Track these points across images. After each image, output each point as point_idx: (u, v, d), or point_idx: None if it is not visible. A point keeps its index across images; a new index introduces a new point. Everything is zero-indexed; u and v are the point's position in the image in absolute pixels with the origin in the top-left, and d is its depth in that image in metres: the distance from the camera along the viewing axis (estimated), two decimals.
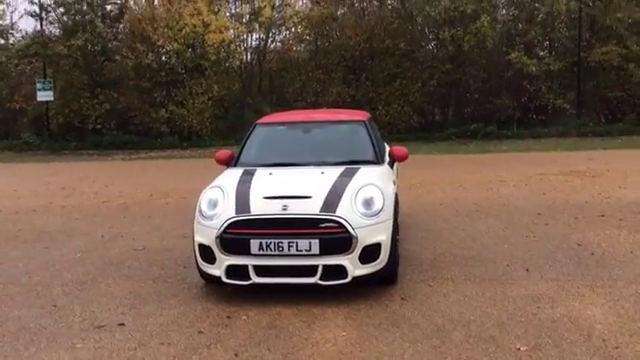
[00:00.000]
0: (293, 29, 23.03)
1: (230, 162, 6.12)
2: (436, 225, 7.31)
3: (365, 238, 4.59)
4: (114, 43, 23.74)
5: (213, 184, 5.23)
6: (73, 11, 22.96)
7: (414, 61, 21.46)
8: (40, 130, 23.63)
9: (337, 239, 4.55)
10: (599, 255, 5.76)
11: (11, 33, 25.53)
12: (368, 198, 4.79)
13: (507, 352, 3.69)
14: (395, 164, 5.98)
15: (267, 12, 22.39)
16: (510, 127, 21.41)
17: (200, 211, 4.95)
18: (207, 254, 4.79)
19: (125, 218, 8.58)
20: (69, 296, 5.09)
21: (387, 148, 6.45)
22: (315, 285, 4.60)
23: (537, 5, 22.17)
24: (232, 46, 23.11)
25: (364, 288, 4.79)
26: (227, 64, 22.96)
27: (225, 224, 4.67)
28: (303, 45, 22.56)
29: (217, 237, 4.67)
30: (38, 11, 23.65)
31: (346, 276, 4.58)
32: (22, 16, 26.65)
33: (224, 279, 4.70)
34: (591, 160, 13.92)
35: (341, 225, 4.56)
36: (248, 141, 6.01)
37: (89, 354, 3.89)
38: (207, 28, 21.42)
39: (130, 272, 5.76)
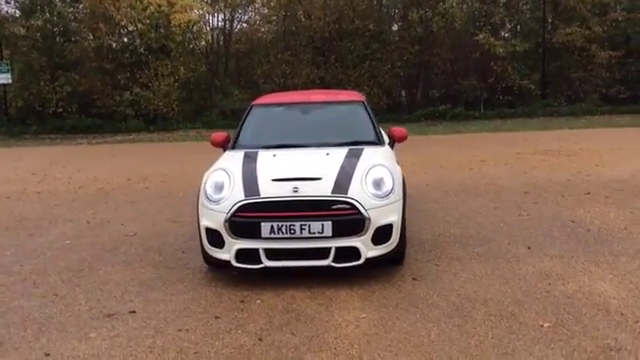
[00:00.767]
0: (259, 9, 22.65)
1: (226, 145, 5.99)
2: (428, 206, 7.33)
3: (377, 219, 4.55)
4: (75, 24, 22.96)
5: (216, 167, 5.09)
6: None
7: (383, 42, 21.46)
8: None
9: (350, 221, 4.50)
10: (595, 232, 5.87)
11: None
12: (378, 179, 4.74)
13: (531, 329, 3.72)
14: (395, 145, 5.95)
15: None
16: (477, 108, 21.72)
17: (206, 194, 4.82)
18: (215, 238, 4.67)
19: (107, 203, 8.34)
20: (69, 284, 4.91)
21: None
22: (328, 267, 4.55)
23: None
24: (198, 27, 22.65)
25: (372, 269, 4.75)
26: (193, 45, 22.50)
27: (234, 207, 4.56)
28: (270, 26, 22.24)
29: (226, 221, 4.56)
30: None
31: (359, 258, 4.54)
32: None
33: (234, 263, 4.60)
34: (561, 140, 14.22)
35: (353, 206, 4.51)
36: (245, 123, 5.88)
37: (106, 343, 3.76)
38: (172, 8, 20.93)
39: (127, 258, 5.60)
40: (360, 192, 4.59)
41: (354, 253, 4.54)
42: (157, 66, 21.76)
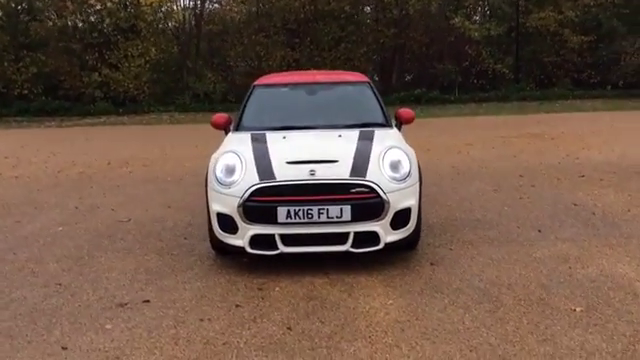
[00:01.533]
0: None
1: (227, 127, 5.77)
2: (427, 189, 7.15)
3: (396, 203, 4.43)
4: (40, 2, 22.10)
5: (225, 149, 4.87)
6: None
7: (358, 25, 21.28)
8: None
9: (369, 204, 4.36)
10: (600, 215, 5.87)
11: None
12: (395, 161, 4.62)
13: (564, 314, 3.66)
14: (402, 127, 5.82)
15: None
16: (452, 92, 21.77)
17: (216, 178, 4.61)
18: (227, 224, 4.48)
19: (92, 188, 8.03)
20: (70, 273, 4.67)
21: None
22: (343, 253, 4.41)
23: None
24: (168, 6, 22.06)
25: (386, 255, 4.61)
26: (164, 25, 21.90)
27: (248, 191, 4.37)
28: (243, 6, 21.78)
29: (240, 205, 4.38)
30: None
31: (378, 243, 4.42)
32: None
33: (248, 249, 4.43)
34: (541, 123, 14.35)
35: (372, 190, 4.37)
36: (248, 104, 5.66)
37: (125, 335, 3.56)
38: None
39: (127, 245, 5.36)
40: (378, 175, 4.45)
41: (373, 238, 4.41)
42: (127, 46, 21.15)
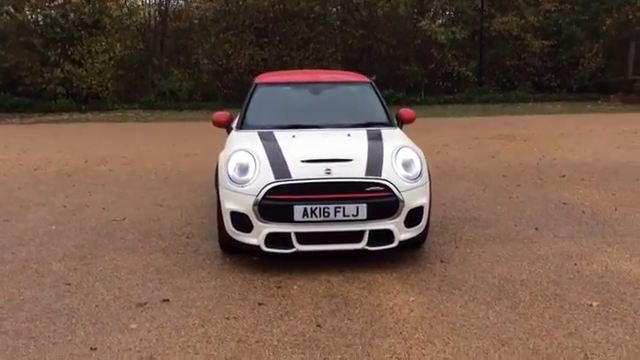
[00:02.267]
0: None
1: (228, 125, 5.74)
2: None
3: (410, 201, 4.49)
4: None
5: (235, 147, 4.83)
6: None
7: (327, 25, 21.34)
8: None
9: (384, 203, 4.41)
10: (590, 213, 6.07)
11: None
12: (407, 160, 4.69)
13: (583, 309, 3.79)
14: (403, 127, 5.90)
15: None
16: (418, 93, 22.07)
17: (229, 176, 4.58)
18: (242, 222, 4.46)
19: (75, 187, 7.83)
20: (78, 273, 4.56)
21: None
22: (362, 251, 4.45)
23: None
24: (132, 2, 21.65)
25: (395, 252, 4.62)
26: (129, 21, 21.46)
27: (264, 190, 4.37)
28: (211, 4, 21.53)
29: (255, 204, 4.36)
30: None
31: (392, 241, 4.47)
32: None
33: (264, 248, 4.41)
34: (509, 125, 14.70)
35: (387, 188, 4.42)
36: (251, 102, 5.63)
37: (153, 335, 3.51)
38: None
39: (129, 244, 5.27)
40: (392, 174, 4.51)
41: (387, 236, 4.47)
42: (90, 42, 20.67)
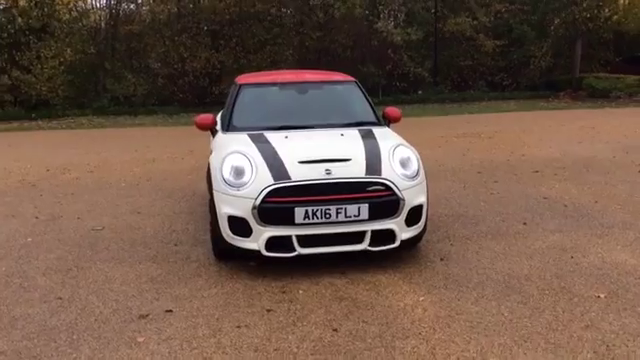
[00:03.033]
0: None
1: (212, 127, 5.58)
2: None
3: (410, 200, 4.46)
4: None
5: (228, 150, 4.68)
6: None
7: (284, 27, 21.22)
8: None
9: (385, 202, 4.36)
10: (572, 207, 6.18)
11: None
12: (405, 159, 4.65)
13: (592, 301, 3.82)
14: (390, 125, 5.86)
15: None
16: (376, 94, 22.14)
17: (224, 180, 4.44)
18: (240, 227, 4.33)
19: (43, 196, 7.48)
20: (66, 286, 4.33)
21: None
22: (364, 252, 4.39)
23: None
24: (83, 4, 21.00)
25: (391, 251, 4.56)
26: (80, 25, 20.76)
27: (263, 192, 4.25)
28: (165, 7, 21.07)
29: (254, 207, 4.23)
30: None
31: (394, 241, 4.42)
32: None
33: (264, 253, 4.29)
34: (470, 123, 14.89)
35: (388, 188, 4.37)
36: (236, 103, 5.48)
37: (163, 347, 3.34)
38: None
39: (115, 254, 5.05)
40: (391, 173, 4.46)
41: (389, 236, 4.42)
42: (39, 47, 19.89)
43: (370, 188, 4.35)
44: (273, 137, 4.86)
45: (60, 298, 4.10)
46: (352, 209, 4.28)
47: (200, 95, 21.12)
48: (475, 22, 22.32)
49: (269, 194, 4.25)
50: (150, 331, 3.56)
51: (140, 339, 3.46)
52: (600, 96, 20.85)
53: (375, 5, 22.28)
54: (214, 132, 5.55)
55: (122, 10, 22.03)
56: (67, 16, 20.04)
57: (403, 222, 4.44)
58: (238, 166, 4.46)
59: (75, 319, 3.75)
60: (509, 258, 4.68)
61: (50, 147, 12.79)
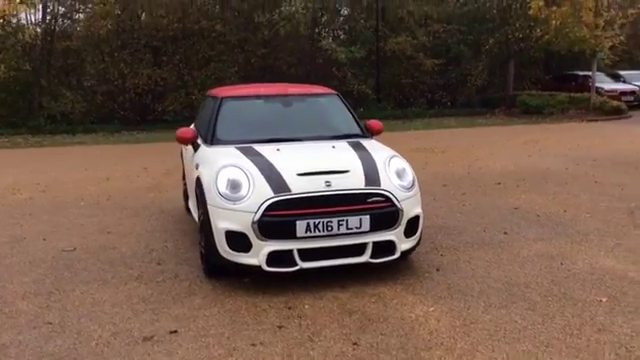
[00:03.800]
0: (90, 5, 20.78)
1: (193, 141, 5.40)
2: None
3: (408, 211, 4.46)
4: None
5: (221, 163, 4.53)
6: None
7: (228, 44, 21.05)
8: None
9: (385, 214, 4.34)
10: (544, 216, 6.35)
11: None
12: (400, 170, 4.67)
13: (596, 305, 3.91)
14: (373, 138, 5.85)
15: None
16: None
17: (219, 193, 4.30)
18: (238, 242, 4.19)
19: None
20: (52, 310, 4.06)
21: None
22: (366, 264, 4.33)
23: None
24: (17, 20, 20.13)
25: (384, 264, 4.49)
26: (14, 40, 19.85)
27: (264, 206, 4.13)
28: (104, 22, 20.46)
29: (255, 222, 4.11)
30: None
31: (394, 252, 4.40)
32: None
33: (265, 268, 4.17)
34: (419, 139, 15.15)
35: (388, 199, 4.36)
36: (219, 117, 5.32)
37: None
38: None
39: (96, 275, 4.78)
40: (390, 184, 4.46)
41: (389, 247, 4.39)
42: None
43: (370, 199, 4.32)
44: (264, 150, 4.76)
45: (50, 323, 3.83)
46: (354, 221, 4.23)
47: (142, 112, 20.61)
48: (415, 41, 22.91)
49: (269, 207, 4.14)
50: (160, 353, 3.37)
51: None
52: (534, 112, 21.71)
53: (314, 23, 22.46)
54: (195, 146, 5.37)
55: (58, 25, 21.24)
56: (0, 32, 19.13)
57: (402, 233, 4.44)
58: (234, 179, 4.33)
59: (74, 345, 3.51)
60: (502, 267, 4.74)
61: None
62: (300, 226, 4.13)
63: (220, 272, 4.52)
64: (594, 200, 7.06)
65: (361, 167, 4.49)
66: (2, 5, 18.77)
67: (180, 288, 4.43)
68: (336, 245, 4.24)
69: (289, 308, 3.98)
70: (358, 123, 5.61)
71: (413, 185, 4.63)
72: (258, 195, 4.19)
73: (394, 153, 4.92)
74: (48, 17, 20.64)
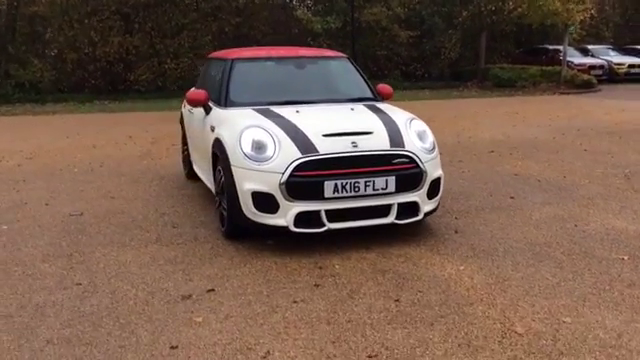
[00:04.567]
0: None
1: (205, 103, 5.30)
2: None
3: (431, 173, 4.49)
4: None
5: (245, 124, 4.45)
6: None
7: (201, 12, 20.61)
8: None
9: (410, 175, 4.36)
10: (545, 182, 6.47)
11: None
12: (421, 132, 4.69)
13: (620, 263, 4.02)
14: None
15: None
16: None
17: (244, 154, 4.24)
18: (266, 203, 4.16)
19: None
20: (77, 272, 3.97)
21: None
22: (391, 225, 4.36)
23: None
24: None
25: (403, 227, 4.51)
26: None
27: (291, 166, 4.10)
28: None
29: (283, 182, 4.08)
30: None
31: (418, 213, 4.43)
32: None
33: (292, 229, 4.15)
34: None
35: (412, 160, 4.37)
36: (232, 79, 5.22)
37: (227, 326, 3.15)
38: None
39: (114, 238, 4.69)
40: (413, 146, 4.47)
41: (413, 208, 4.42)
42: None
43: (395, 161, 4.32)
44: (284, 111, 4.70)
45: (79, 284, 3.76)
46: (380, 182, 4.23)
47: (113, 82, 20.11)
48: (390, 12, 22.82)
49: (297, 168, 4.11)
50: (204, 310, 3.34)
51: (198, 319, 3.24)
52: (506, 86, 21.97)
53: None
54: (207, 108, 5.26)
55: None
56: None
57: (425, 195, 4.47)
58: (259, 140, 4.28)
59: (111, 304, 3.45)
60: (518, 228, 4.83)
61: None
62: (328, 187, 4.12)
63: (241, 234, 4.50)
64: (588, 167, 7.23)
65: (384, 129, 4.49)
66: None
67: (203, 250, 4.39)
68: (363, 206, 4.25)
69: (320, 268, 3.99)
70: (370, 87, 5.59)
71: (434, 147, 4.66)
72: (285, 156, 4.16)
73: (413, 115, 4.92)
74: None
